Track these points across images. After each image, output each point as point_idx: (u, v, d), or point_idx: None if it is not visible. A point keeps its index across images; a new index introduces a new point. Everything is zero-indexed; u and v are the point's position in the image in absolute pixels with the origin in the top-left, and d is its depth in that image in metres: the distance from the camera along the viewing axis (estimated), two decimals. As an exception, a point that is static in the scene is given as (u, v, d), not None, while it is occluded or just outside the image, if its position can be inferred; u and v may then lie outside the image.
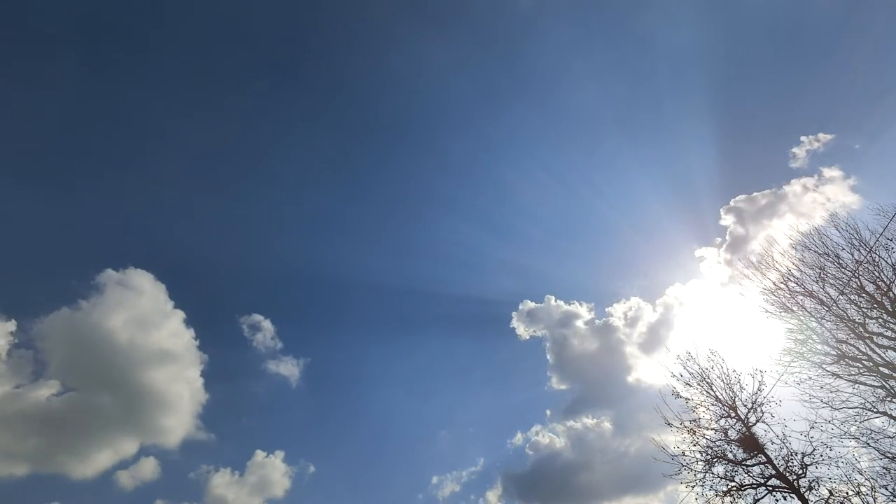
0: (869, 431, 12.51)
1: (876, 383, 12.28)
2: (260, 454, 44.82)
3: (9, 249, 47.17)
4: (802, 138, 47.55)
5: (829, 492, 11.53)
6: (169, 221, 56.75)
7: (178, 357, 46.15)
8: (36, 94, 51.10)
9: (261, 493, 42.89)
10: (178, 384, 45.91)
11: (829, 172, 44.13)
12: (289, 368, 52.87)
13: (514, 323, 52.46)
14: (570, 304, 52.04)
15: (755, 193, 45.40)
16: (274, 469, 44.60)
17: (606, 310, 50.96)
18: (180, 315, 45.59)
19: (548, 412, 51.94)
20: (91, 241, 53.65)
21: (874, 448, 12.21)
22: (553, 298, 52.23)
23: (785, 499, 11.61)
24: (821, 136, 47.08)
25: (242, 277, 60.96)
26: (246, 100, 62.05)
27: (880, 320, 12.16)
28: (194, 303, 57.73)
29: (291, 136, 64.22)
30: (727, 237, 43.96)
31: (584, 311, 51.10)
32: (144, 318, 44.80)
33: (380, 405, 59.40)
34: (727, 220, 44.03)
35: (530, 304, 52.16)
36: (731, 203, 45.37)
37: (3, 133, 48.44)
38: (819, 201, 42.25)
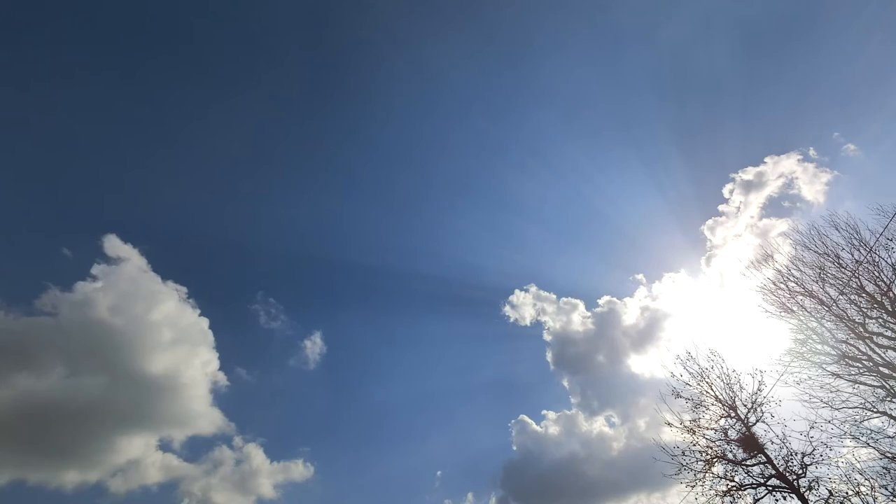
0: (869, 431, 12.51)
1: (876, 383, 12.27)
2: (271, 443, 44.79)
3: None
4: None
5: (829, 492, 11.53)
6: (182, 213, 57.36)
7: (189, 339, 45.57)
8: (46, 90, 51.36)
9: (276, 483, 42.69)
10: (190, 369, 45.34)
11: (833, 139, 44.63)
12: (305, 353, 53.48)
13: (513, 315, 52.82)
14: (569, 297, 52.31)
15: (761, 166, 45.82)
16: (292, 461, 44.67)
17: (605, 302, 51.00)
18: (197, 305, 45.78)
19: (546, 406, 52.06)
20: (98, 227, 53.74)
21: (874, 448, 12.20)
22: (551, 292, 52.57)
23: (785, 499, 11.60)
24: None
25: (253, 262, 61.82)
26: (254, 97, 62.49)
27: (880, 320, 12.15)
28: (208, 290, 58.32)
29: (298, 132, 64.63)
30: (731, 209, 44.55)
31: (583, 304, 51.43)
32: (146, 298, 44.03)
33: (383, 397, 60.43)
34: (727, 189, 44.88)
35: (530, 297, 52.41)
36: (734, 177, 46.05)
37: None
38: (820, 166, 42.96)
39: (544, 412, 51.59)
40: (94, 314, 40.83)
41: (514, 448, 45.52)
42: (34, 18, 49.77)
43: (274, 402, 56.05)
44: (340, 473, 51.19)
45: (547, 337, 52.50)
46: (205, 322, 46.39)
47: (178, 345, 45.42)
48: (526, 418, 45.84)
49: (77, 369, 40.23)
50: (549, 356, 51.66)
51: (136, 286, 44.03)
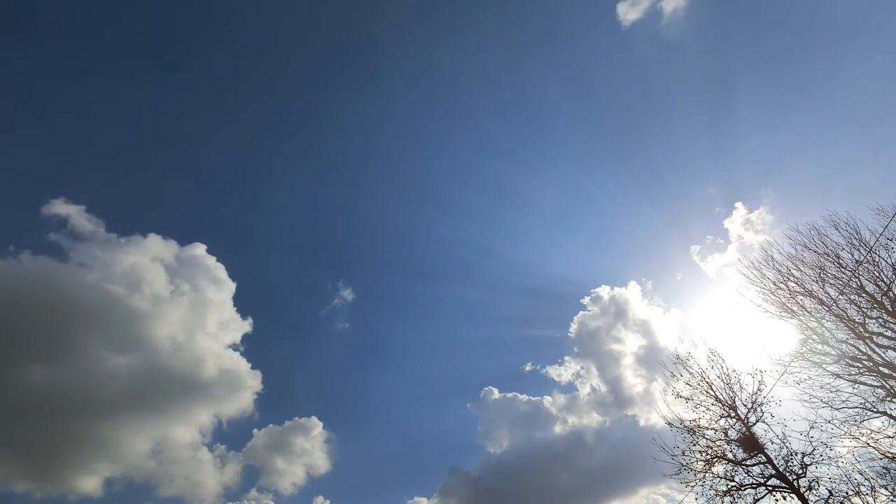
0: (869, 431, 12.50)
1: (876, 383, 12.26)
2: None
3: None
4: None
5: (829, 492, 11.53)
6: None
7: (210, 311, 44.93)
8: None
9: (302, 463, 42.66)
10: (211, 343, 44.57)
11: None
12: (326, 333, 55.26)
13: (514, 309, 53.10)
14: (571, 289, 52.66)
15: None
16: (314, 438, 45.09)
17: (607, 294, 51.12)
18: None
19: (549, 399, 52.13)
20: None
21: (874, 448, 12.19)
22: (551, 286, 52.86)
23: (785, 499, 11.60)
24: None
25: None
26: (260, 96, 62.84)
27: (880, 320, 12.15)
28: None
29: (302, 132, 64.97)
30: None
31: (585, 296, 51.80)
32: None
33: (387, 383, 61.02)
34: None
35: (531, 292, 52.47)
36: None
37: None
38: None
39: (547, 399, 51.59)
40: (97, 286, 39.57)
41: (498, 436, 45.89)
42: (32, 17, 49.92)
43: (298, 372, 57.86)
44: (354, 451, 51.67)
45: (549, 332, 52.66)
46: (228, 287, 45.70)
47: (196, 320, 44.93)
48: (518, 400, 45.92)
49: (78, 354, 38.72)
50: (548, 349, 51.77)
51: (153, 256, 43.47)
